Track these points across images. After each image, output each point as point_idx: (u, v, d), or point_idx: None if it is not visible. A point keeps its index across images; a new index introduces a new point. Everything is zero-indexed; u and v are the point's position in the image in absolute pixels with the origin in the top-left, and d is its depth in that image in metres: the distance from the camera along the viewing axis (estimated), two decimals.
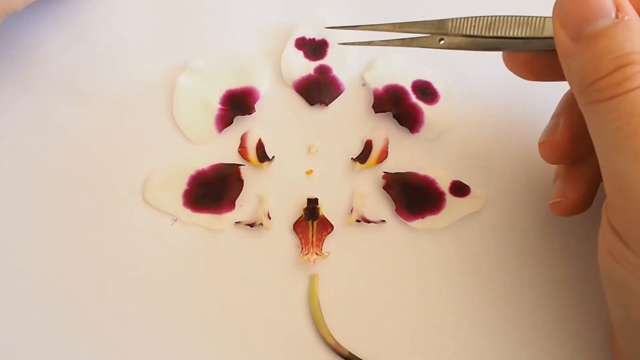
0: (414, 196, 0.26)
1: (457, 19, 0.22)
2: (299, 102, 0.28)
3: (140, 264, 0.26)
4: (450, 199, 0.26)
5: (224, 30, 0.30)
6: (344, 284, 0.25)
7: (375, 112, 0.28)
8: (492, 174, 0.27)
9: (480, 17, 0.22)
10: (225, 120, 0.28)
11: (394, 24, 0.23)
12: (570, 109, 0.23)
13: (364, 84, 0.29)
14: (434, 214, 0.26)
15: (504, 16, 0.22)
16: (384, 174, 0.27)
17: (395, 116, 0.27)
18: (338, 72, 0.29)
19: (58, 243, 0.26)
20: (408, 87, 0.28)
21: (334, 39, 0.29)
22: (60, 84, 0.28)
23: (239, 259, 0.26)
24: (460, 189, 0.27)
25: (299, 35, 0.29)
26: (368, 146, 0.27)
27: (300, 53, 0.29)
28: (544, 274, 0.26)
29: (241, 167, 0.27)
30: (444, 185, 0.27)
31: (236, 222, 0.26)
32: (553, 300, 0.25)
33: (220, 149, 0.27)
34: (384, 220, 0.26)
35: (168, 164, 0.27)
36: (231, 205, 0.26)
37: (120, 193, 0.27)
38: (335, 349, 0.24)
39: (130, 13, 0.30)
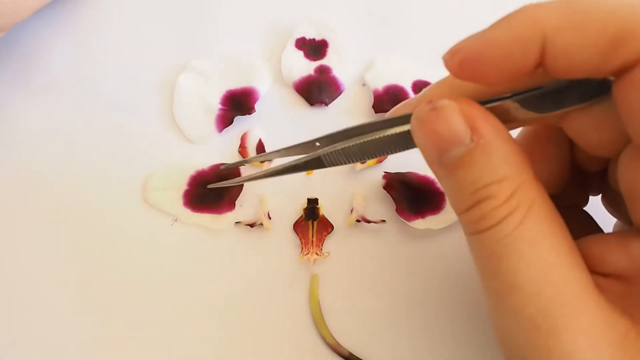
0: (414, 196, 0.26)
1: (328, 154, 0.20)
2: (299, 102, 0.28)
3: (140, 264, 0.26)
4: None
5: (224, 30, 0.30)
6: (344, 284, 0.25)
7: (375, 112, 0.28)
8: None
9: (348, 145, 0.19)
10: (225, 120, 0.28)
11: (275, 153, 0.22)
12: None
13: (364, 84, 0.29)
14: (434, 214, 0.26)
15: (372, 136, 0.19)
16: (384, 174, 0.27)
17: None
18: (338, 72, 0.29)
19: (58, 243, 0.26)
20: (408, 87, 0.28)
21: (334, 39, 0.29)
22: (61, 84, 0.29)
23: (239, 259, 0.26)
24: None
25: (299, 35, 0.29)
26: None
27: (300, 53, 0.29)
28: None
29: (241, 167, 0.27)
30: None
31: (236, 222, 0.26)
32: None
33: (220, 149, 0.27)
34: (384, 220, 0.26)
35: (168, 164, 0.27)
36: (231, 205, 0.26)
37: (120, 193, 0.27)
38: (335, 349, 0.24)
39: (130, 13, 0.30)
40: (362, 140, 0.19)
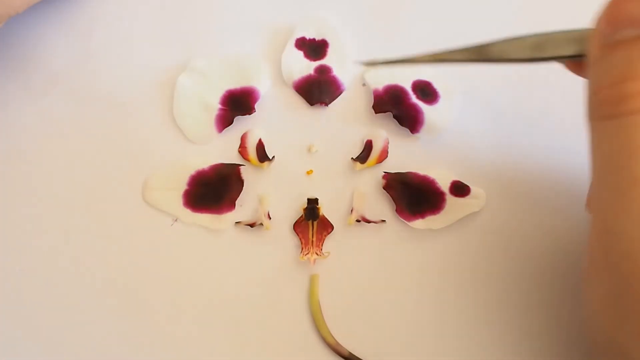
0: (414, 196, 0.26)
1: (500, 42, 0.20)
2: (299, 102, 0.28)
3: (140, 264, 0.26)
4: (450, 199, 0.26)
5: (224, 30, 0.30)
6: (344, 284, 0.25)
7: (376, 113, 0.28)
8: (492, 174, 0.27)
9: (524, 37, 0.20)
10: (225, 120, 0.28)
11: (430, 55, 0.21)
12: None
13: (364, 84, 0.29)
14: (434, 214, 0.26)
15: (550, 34, 0.20)
16: (384, 174, 0.27)
17: (395, 116, 0.27)
18: (338, 72, 0.29)
19: (58, 243, 0.26)
20: (408, 87, 0.28)
21: (334, 39, 0.29)
22: (60, 84, 0.29)
23: (239, 259, 0.26)
24: (460, 189, 0.27)
25: (299, 35, 0.29)
26: (368, 146, 0.27)
27: (300, 53, 0.29)
28: (543, 273, 0.26)
29: (241, 167, 0.27)
30: (444, 185, 0.27)
31: (236, 222, 0.26)
32: (553, 300, 0.25)
33: (220, 149, 0.27)
34: (384, 220, 0.26)
35: (168, 164, 0.27)
36: (231, 205, 0.26)
37: (120, 193, 0.27)
38: (335, 349, 0.24)
39: (130, 13, 0.30)
40: (539, 37, 0.19)
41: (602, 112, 0.17)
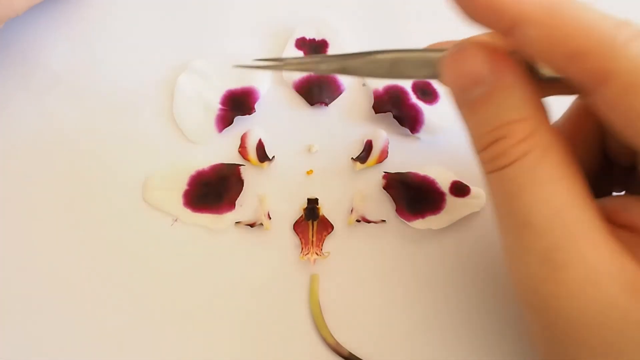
0: (414, 196, 0.26)
1: (359, 58, 0.19)
2: (299, 102, 0.28)
3: (141, 264, 0.26)
4: (450, 199, 0.26)
5: (224, 30, 0.30)
6: (344, 284, 0.25)
7: (376, 113, 0.28)
8: None
9: (382, 54, 0.19)
10: (225, 120, 0.28)
11: (298, 62, 0.20)
12: None
13: (364, 84, 0.29)
14: (434, 214, 0.26)
15: (405, 52, 0.19)
16: (384, 174, 0.27)
17: (395, 116, 0.27)
18: None
19: (58, 243, 0.26)
20: (408, 87, 0.28)
21: (334, 39, 0.29)
22: (60, 84, 0.28)
23: (239, 259, 0.26)
24: (460, 189, 0.27)
25: (299, 35, 0.29)
26: (368, 146, 0.27)
27: (301, 53, 0.29)
28: None
29: (241, 167, 0.27)
30: (444, 185, 0.27)
31: (236, 222, 0.26)
32: None
33: (220, 149, 0.27)
34: (384, 220, 0.26)
35: (168, 164, 0.27)
36: (231, 205, 0.26)
37: (120, 193, 0.27)
38: (335, 349, 0.24)
39: (130, 13, 0.30)
40: (395, 55, 0.19)
41: (485, 168, 0.18)
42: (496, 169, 0.17)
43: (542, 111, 0.17)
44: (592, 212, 0.17)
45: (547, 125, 0.17)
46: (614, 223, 0.18)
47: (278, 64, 0.20)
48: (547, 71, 0.18)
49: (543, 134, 0.17)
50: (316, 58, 0.20)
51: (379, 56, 0.19)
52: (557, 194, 0.17)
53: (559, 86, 0.18)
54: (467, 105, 0.18)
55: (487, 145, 0.18)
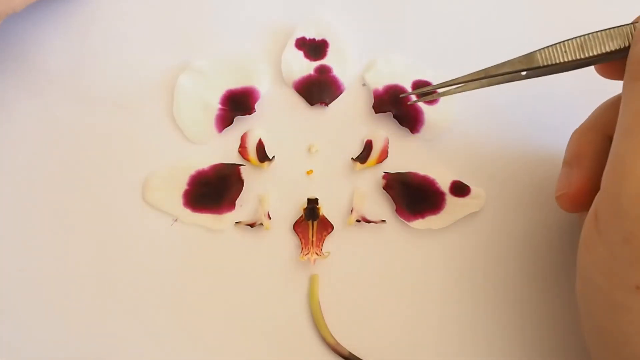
0: (414, 196, 0.26)
1: (545, 49, 0.21)
2: (299, 102, 0.28)
3: (140, 264, 0.26)
4: (450, 199, 0.26)
5: (224, 30, 0.30)
6: (344, 284, 0.25)
7: (376, 113, 0.28)
8: (492, 174, 0.27)
9: (568, 40, 0.21)
10: (225, 120, 0.28)
11: (479, 72, 0.22)
12: (580, 157, 0.22)
13: (364, 84, 0.29)
14: (434, 214, 0.26)
15: (592, 33, 0.21)
16: (384, 174, 0.27)
17: (395, 116, 0.27)
18: (338, 72, 0.29)
19: (58, 243, 0.26)
20: (408, 87, 0.28)
21: (334, 39, 0.29)
22: (60, 84, 0.28)
23: (239, 259, 0.26)
24: (460, 189, 0.27)
25: (299, 35, 0.29)
26: (368, 146, 0.27)
27: (300, 53, 0.29)
28: (543, 273, 0.26)
29: (241, 167, 0.27)
30: (444, 185, 0.27)
31: (236, 222, 0.26)
32: (553, 299, 0.25)
33: (220, 149, 0.27)
34: (384, 220, 0.26)
35: (168, 164, 0.27)
36: (231, 205, 0.26)
37: (120, 193, 0.27)
38: (335, 349, 0.24)
39: (130, 13, 0.30)
40: (583, 36, 0.20)
41: (637, 69, 0.18)
42: None
43: None
44: None
45: None
46: None
47: (439, 91, 0.22)
48: None
49: None
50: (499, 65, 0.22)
51: (567, 42, 0.21)
52: None
53: None
54: None
55: None
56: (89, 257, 0.26)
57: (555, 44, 0.21)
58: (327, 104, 0.28)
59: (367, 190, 0.27)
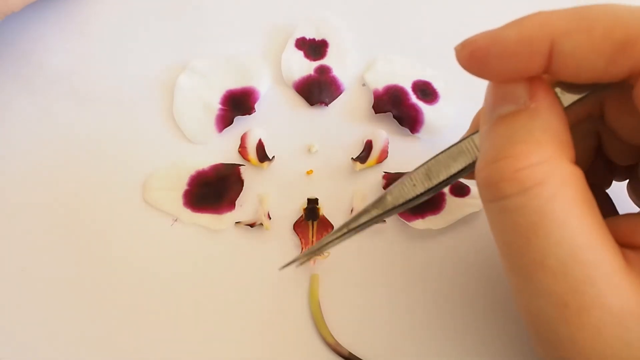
0: None
1: (393, 188, 0.20)
2: (299, 102, 0.29)
3: (141, 264, 0.26)
4: (450, 199, 0.26)
5: (224, 30, 0.30)
6: (344, 284, 0.25)
7: (376, 113, 0.28)
8: None
9: (413, 172, 0.20)
10: (225, 120, 0.28)
11: (341, 228, 0.21)
12: None
13: (364, 84, 0.29)
14: (434, 214, 0.26)
15: (434, 158, 0.19)
16: (384, 174, 0.27)
17: (395, 116, 0.28)
18: (338, 72, 0.29)
19: (58, 243, 0.26)
20: (408, 87, 0.28)
21: (334, 39, 0.29)
22: (60, 84, 0.29)
23: (239, 259, 0.26)
24: (460, 189, 0.27)
25: (299, 35, 0.29)
26: (368, 146, 0.27)
27: (300, 53, 0.29)
28: None
29: (241, 167, 0.27)
30: None
31: (236, 222, 0.26)
32: None
33: (220, 149, 0.27)
34: (384, 220, 0.26)
35: (168, 164, 0.27)
36: (231, 205, 0.26)
37: (120, 193, 0.27)
38: (335, 349, 0.24)
39: (130, 13, 0.30)
40: (425, 163, 0.19)
41: (492, 194, 0.17)
42: (506, 196, 0.16)
43: (567, 145, 0.17)
44: (609, 250, 0.16)
45: (567, 158, 0.16)
46: (627, 246, 0.17)
47: (321, 245, 0.21)
48: (565, 98, 0.18)
49: (560, 166, 0.16)
50: (354, 216, 0.20)
51: (410, 174, 0.20)
52: (575, 235, 0.16)
53: (576, 112, 0.18)
54: (493, 119, 0.17)
55: (499, 159, 0.16)
56: (89, 257, 0.26)
57: (403, 178, 0.20)
58: (327, 104, 0.28)
59: (367, 190, 0.27)
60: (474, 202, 0.26)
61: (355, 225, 0.21)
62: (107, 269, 0.25)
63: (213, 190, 0.26)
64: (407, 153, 0.27)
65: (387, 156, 0.27)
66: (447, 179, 0.19)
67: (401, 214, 0.26)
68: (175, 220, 0.26)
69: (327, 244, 0.21)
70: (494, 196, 0.16)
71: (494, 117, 0.17)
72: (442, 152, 0.19)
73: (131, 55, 0.29)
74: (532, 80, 0.17)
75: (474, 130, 0.21)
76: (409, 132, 0.28)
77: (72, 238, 0.26)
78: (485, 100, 0.18)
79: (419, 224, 0.26)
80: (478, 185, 0.17)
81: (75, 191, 0.27)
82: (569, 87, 0.17)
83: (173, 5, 0.30)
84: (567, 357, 0.16)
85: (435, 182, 0.19)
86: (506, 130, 0.17)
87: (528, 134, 0.16)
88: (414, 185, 0.20)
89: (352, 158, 0.27)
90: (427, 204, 0.26)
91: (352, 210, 0.26)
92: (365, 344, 0.25)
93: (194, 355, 0.24)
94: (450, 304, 0.25)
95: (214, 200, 0.26)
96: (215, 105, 0.28)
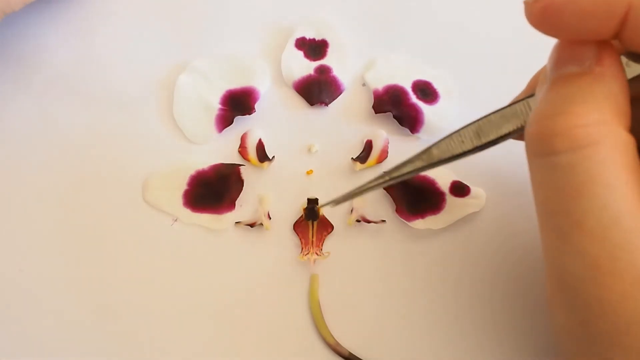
0: (414, 196, 0.26)
1: (441, 142, 0.20)
2: (299, 102, 0.28)
3: (141, 264, 0.26)
4: (450, 199, 0.26)
5: (224, 30, 0.30)
6: (344, 284, 0.25)
7: (376, 113, 0.28)
8: (492, 174, 0.27)
9: (463, 129, 0.20)
10: (225, 120, 0.28)
11: (382, 175, 0.21)
12: None
13: (364, 84, 0.29)
14: (434, 214, 0.26)
15: (486, 117, 0.20)
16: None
17: (395, 116, 0.27)
18: (338, 72, 0.29)
19: (58, 243, 0.26)
20: (408, 87, 0.28)
21: (334, 39, 0.29)
22: (60, 84, 0.28)
23: (239, 259, 0.26)
24: (460, 189, 0.27)
25: (299, 35, 0.29)
26: (368, 146, 0.27)
27: (300, 53, 0.29)
28: (544, 273, 0.26)
29: (241, 167, 0.27)
30: (444, 185, 0.27)
31: (236, 222, 0.26)
32: None
33: (220, 149, 0.27)
34: (384, 220, 0.26)
35: (168, 164, 0.27)
36: (231, 205, 0.26)
37: (120, 193, 0.27)
38: (335, 349, 0.24)
39: (130, 13, 0.30)
40: (477, 121, 0.19)
41: (533, 148, 0.17)
42: (557, 151, 0.16)
43: (626, 115, 0.16)
44: None
45: (625, 125, 0.16)
46: None
47: (361, 188, 0.21)
48: (630, 69, 0.18)
49: (618, 130, 0.16)
50: (399, 164, 0.21)
51: (461, 131, 0.20)
52: (620, 200, 0.15)
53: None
54: (553, 79, 0.17)
55: (556, 114, 0.16)
56: (89, 257, 0.26)
57: (451, 134, 0.20)
58: (327, 104, 0.28)
59: None
60: (474, 202, 0.26)
61: (397, 175, 0.21)
62: (107, 269, 0.25)
63: (213, 190, 0.26)
64: (407, 153, 0.27)
65: (387, 156, 0.27)
66: (497, 139, 0.19)
67: (401, 214, 0.26)
68: (175, 220, 0.26)
69: (367, 188, 0.21)
70: (543, 151, 0.16)
71: (556, 75, 0.17)
72: (494, 112, 0.19)
73: (131, 55, 0.29)
74: (600, 44, 0.17)
75: (529, 92, 0.20)
76: (409, 132, 0.28)
77: (71, 238, 0.26)
78: (550, 59, 0.18)
79: (419, 224, 0.26)
80: (527, 138, 0.17)
81: (75, 191, 0.27)
82: (637, 58, 0.17)
83: (173, 5, 0.30)
84: (590, 320, 0.16)
85: (484, 140, 0.20)
86: (567, 89, 0.17)
87: (589, 95, 0.16)
88: (462, 142, 0.20)
89: (352, 158, 0.27)
90: (427, 203, 0.26)
91: (352, 210, 0.26)
92: (365, 344, 0.25)
93: (194, 355, 0.24)
94: (450, 304, 0.25)
95: (214, 200, 0.26)
96: (215, 105, 0.28)
